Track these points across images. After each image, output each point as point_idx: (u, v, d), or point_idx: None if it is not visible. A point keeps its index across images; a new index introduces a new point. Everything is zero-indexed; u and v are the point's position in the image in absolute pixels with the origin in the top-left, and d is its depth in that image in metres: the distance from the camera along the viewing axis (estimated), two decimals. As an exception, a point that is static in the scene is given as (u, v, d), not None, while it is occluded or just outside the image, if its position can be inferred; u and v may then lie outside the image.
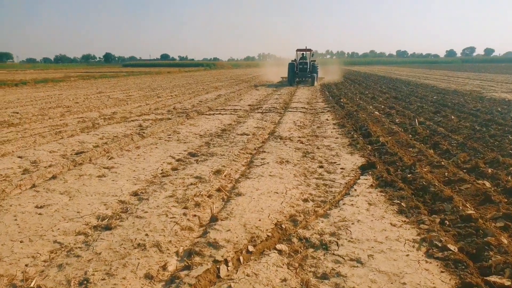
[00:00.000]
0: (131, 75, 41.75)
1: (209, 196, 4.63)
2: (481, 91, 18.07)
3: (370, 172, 5.57)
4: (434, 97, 15.47)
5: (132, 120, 10.81)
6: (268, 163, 6.16)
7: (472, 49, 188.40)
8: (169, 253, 3.31)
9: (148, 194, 4.77)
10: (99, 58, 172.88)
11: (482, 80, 27.21)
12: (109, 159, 6.57)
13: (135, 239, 3.52)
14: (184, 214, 4.09)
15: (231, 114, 12.00)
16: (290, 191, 4.85)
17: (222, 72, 55.28)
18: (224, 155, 6.62)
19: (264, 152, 6.96)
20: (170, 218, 3.99)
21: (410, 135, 8.20)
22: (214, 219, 3.97)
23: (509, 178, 5.08)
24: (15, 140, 8.20)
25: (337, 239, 3.56)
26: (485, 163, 5.93)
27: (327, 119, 10.71)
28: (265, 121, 10.44)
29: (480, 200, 4.43)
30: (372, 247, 3.39)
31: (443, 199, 4.37)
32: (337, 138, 8.18)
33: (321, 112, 12.27)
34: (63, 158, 6.64)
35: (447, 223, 3.83)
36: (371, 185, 5.05)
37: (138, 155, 6.82)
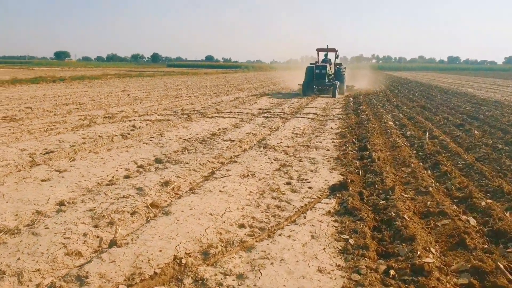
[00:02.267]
0: (167, 75, 42.32)
1: (133, 214, 4.04)
2: (526, 104, 16.25)
3: (338, 195, 4.75)
4: (467, 108, 14.03)
5: (130, 120, 10.50)
6: (229, 175, 5.49)
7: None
8: (26, 286, 2.75)
9: (72, 205, 4.27)
10: (147, 58, 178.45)
11: (533, 91, 24.78)
12: (71, 161, 6.18)
13: (1, 263, 2.99)
14: (85, 234, 3.53)
15: (234, 117, 11.39)
16: (229, 213, 4.16)
17: (257, 74, 54.70)
18: (188, 163, 6.02)
19: (236, 162, 6.29)
20: (65, 238, 3.44)
21: (415, 151, 7.20)
22: (112, 244, 3.38)
23: (506, 215, 4.09)
24: (1, 135, 8.07)
25: (239, 284, 2.84)
26: (484, 192, 4.92)
27: (331, 128, 9.83)
28: (263, 126, 9.74)
29: (452, 244, 3.52)
30: (272, 301, 2.64)
31: (404, 238, 3.50)
32: (328, 150, 7.34)
33: (330, 119, 11.37)
34: (28, 157, 6.32)
35: (392, 274, 2.98)
36: (328, 212, 4.24)
37: (102, 158, 6.37)
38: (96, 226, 3.73)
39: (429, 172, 5.87)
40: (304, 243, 3.51)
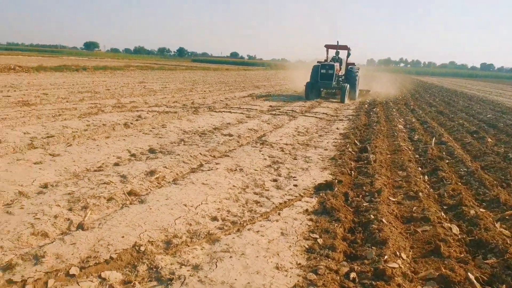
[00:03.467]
0: (188, 69, 42.69)
1: (109, 200, 4.05)
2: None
3: (321, 194, 4.64)
4: (488, 116, 13.54)
5: (138, 111, 10.60)
6: (217, 169, 5.45)
7: None
8: (-17, 262, 2.78)
9: (53, 188, 4.32)
10: (174, 52, 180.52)
11: None
12: (67, 146, 6.27)
13: (-35, 239, 3.04)
14: (56, 216, 3.56)
15: (242, 113, 11.33)
16: (205, 205, 4.12)
17: (278, 73, 54.39)
18: (180, 155, 6.01)
19: (228, 156, 6.24)
20: (35, 219, 3.47)
21: (417, 156, 6.97)
22: (79, 227, 3.39)
23: (495, 225, 3.90)
24: (10, 118, 8.28)
25: (191, 275, 2.79)
26: (480, 201, 4.71)
27: (337, 128, 9.66)
28: (268, 123, 9.65)
29: (426, 251, 3.37)
30: (219, 295, 2.59)
31: (376, 242, 3.38)
32: (326, 150, 7.20)
33: (339, 120, 11.18)
34: (29, 140, 6.45)
35: (353, 276, 2.87)
36: (306, 210, 4.14)
37: (98, 145, 6.44)
38: (70, 209, 3.76)
39: (426, 177, 5.67)
40: (271, 239, 3.43)
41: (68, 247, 3.03)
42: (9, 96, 11.84)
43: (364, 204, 4.32)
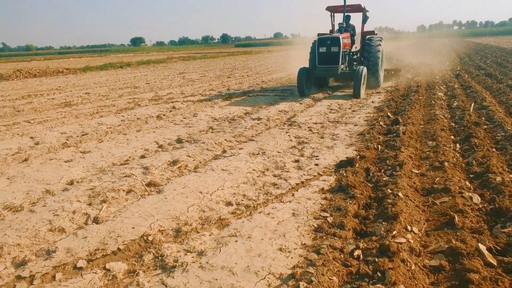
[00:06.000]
0: (230, 55, 42.87)
1: (128, 192, 4.20)
2: None
3: (341, 172, 4.49)
4: (546, 74, 12.32)
5: (173, 102, 10.83)
6: (239, 154, 5.45)
7: None
8: (4, 259, 3.00)
9: (78, 184, 4.55)
10: (217, 39, 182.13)
11: None
12: (99, 142, 6.57)
13: (-10, 237, 3.29)
14: (74, 211, 3.74)
15: (276, 95, 11.22)
16: (221, 191, 4.14)
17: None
18: (205, 142, 6.08)
19: (253, 140, 6.22)
20: (54, 215, 3.67)
21: (453, 124, 6.51)
22: (95, 220, 3.55)
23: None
24: (51, 120, 8.81)
25: (194, 261, 2.83)
26: (508, 166, 4.33)
27: (372, 102, 9.28)
28: (300, 103, 9.45)
29: (441, 223, 3.16)
30: (216, 279, 2.60)
31: (387, 217, 3.22)
32: (356, 125, 6.94)
33: (377, 92, 10.73)
34: (65, 139, 6.83)
35: (357, 254, 2.77)
36: (322, 189, 4.03)
37: (128, 139, 6.68)
38: (89, 204, 3.94)
39: (457, 146, 5.30)
40: (281, 221, 3.39)
41: (80, 241, 3.19)
42: (54, 98, 12.59)
43: (384, 179, 4.12)
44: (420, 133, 6.02)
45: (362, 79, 10.02)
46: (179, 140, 6.42)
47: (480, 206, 3.37)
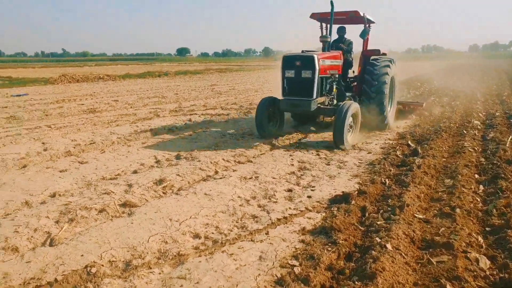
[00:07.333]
0: (266, 68, 42.84)
1: (100, 211, 3.94)
2: None
3: (333, 208, 4.02)
4: None
5: (191, 114, 10.71)
6: (230, 176, 5.10)
7: None
8: None
9: (57, 198, 4.37)
10: (259, 52, 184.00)
11: None
12: (101, 153, 6.46)
13: None
14: (36, 229, 3.53)
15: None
16: (193, 220, 3.80)
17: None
18: (201, 161, 5.78)
19: (251, 162, 5.85)
20: (14, 232, 3.48)
21: (482, 159, 5.80)
22: (50, 242, 3.31)
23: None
24: (70, 126, 8.89)
25: (126, 306, 2.49)
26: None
27: (397, 127, 8.64)
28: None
29: (429, 291, 2.62)
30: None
31: (365, 275, 2.72)
32: (369, 153, 6.41)
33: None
34: (72, 147, 6.78)
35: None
36: (303, 229, 3.58)
37: (129, 151, 6.52)
38: (57, 222, 3.72)
39: (480, 187, 4.65)
40: (242, 265, 2.98)
41: (21, 266, 2.94)
42: (83, 104, 12.86)
43: (379, 222, 3.61)
44: (439, 168, 5.40)
45: (347, 120, 6.49)
46: (178, 156, 6.16)
47: (487, 273, 2.79)
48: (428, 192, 4.53)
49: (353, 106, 6.79)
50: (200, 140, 7.44)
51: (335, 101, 7.66)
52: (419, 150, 6.11)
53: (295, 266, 2.91)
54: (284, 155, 6.28)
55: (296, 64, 6.87)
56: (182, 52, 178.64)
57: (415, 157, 5.78)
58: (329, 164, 5.77)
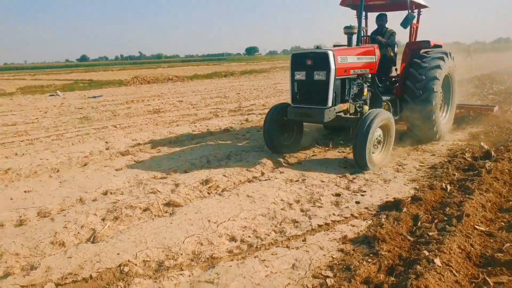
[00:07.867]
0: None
1: (145, 210, 4.04)
2: None
3: (382, 216, 3.71)
4: None
5: (249, 114, 10.72)
6: (276, 178, 4.95)
7: None
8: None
9: (109, 196, 4.56)
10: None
11: None
12: (157, 152, 6.66)
13: (-6, 244, 3.38)
14: (83, 226, 3.69)
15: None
16: (232, 222, 3.72)
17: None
18: (249, 161, 5.70)
19: (300, 164, 5.64)
20: (63, 227, 3.66)
21: None
22: (93, 239, 3.44)
23: None
24: (134, 126, 9.36)
25: (150, 309, 2.48)
26: None
27: (471, 127, 7.86)
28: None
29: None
30: None
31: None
32: (433, 155, 5.89)
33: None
34: (131, 146, 7.09)
35: None
36: (344, 237, 3.34)
37: (183, 151, 6.65)
38: (103, 219, 3.87)
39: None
40: (273, 272, 2.84)
41: (63, 261, 3.07)
42: (149, 105, 13.49)
43: (431, 233, 3.25)
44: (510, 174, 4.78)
45: (372, 134, 5.07)
46: (228, 156, 6.15)
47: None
48: (497, 201, 4.01)
49: (382, 116, 5.25)
50: (252, 139, 7.39)
51: (366, 108, 5.95)
52: (492, 152, 5.47)
53: (328, 277, 2.70)
54: (339, 155, 5.99)
55: (307, 64, 5.44)
56: (251, 51, 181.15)
57: (486, 161, 5.18)
58: (384, 166, 5.38)
